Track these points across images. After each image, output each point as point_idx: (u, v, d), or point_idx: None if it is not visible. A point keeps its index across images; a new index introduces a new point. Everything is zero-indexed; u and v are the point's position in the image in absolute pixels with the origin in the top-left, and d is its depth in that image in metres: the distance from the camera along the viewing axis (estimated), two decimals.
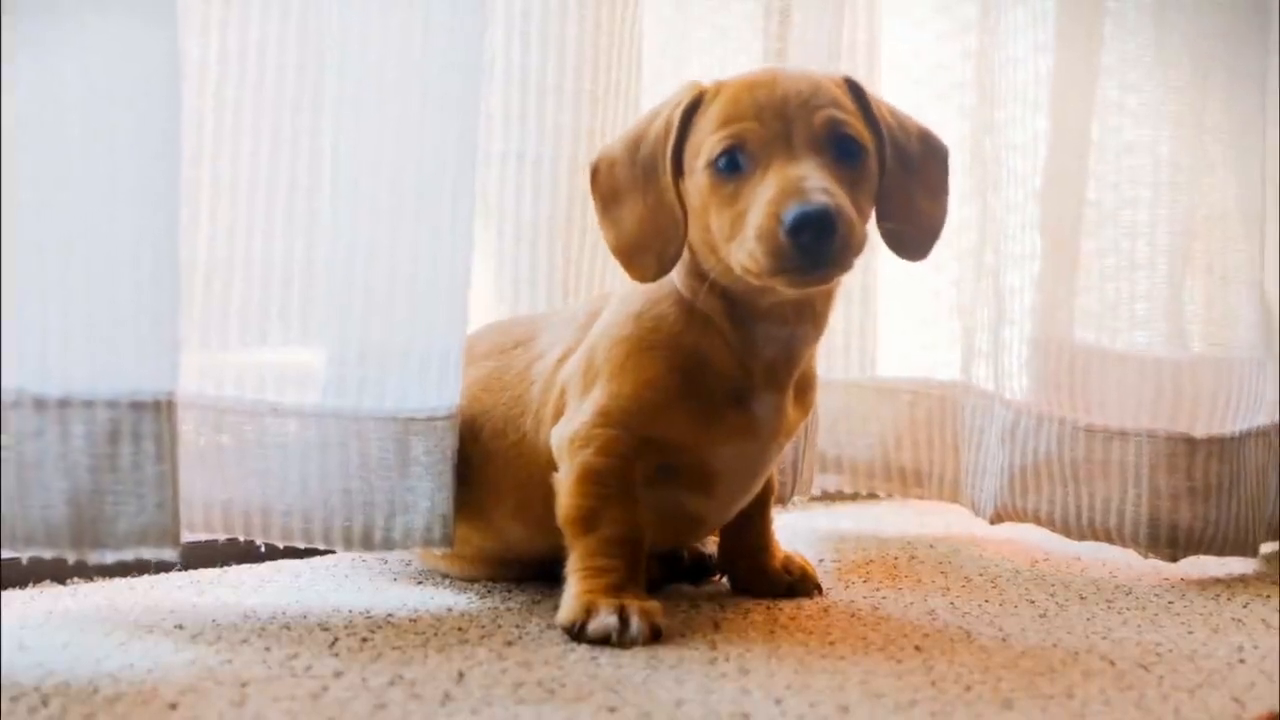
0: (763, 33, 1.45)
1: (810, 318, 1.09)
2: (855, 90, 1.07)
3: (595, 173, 1.10)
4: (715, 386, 1.07)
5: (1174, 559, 1.35)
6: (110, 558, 0.96)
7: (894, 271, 1.58)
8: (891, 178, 1.07)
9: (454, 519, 1.13)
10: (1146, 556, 1.36)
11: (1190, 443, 1.34)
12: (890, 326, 1.61)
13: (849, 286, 1.55)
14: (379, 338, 1.11)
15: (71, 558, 0.96)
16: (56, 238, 0.95)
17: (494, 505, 1.15)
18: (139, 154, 0.97)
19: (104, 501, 0.96)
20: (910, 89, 1.58)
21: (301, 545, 1.13)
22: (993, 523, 1.43)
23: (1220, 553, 1.36)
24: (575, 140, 1.33)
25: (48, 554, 0.96)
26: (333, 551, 1.23)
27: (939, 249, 1.53)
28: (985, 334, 1.46)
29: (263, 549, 1.18)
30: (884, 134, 1.06)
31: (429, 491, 1.12)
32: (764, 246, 0.97)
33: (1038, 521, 1.40)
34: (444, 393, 1.12)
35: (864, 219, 1.03)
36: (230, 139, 1.11)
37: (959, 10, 1.54)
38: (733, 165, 1.01)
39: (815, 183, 0.97)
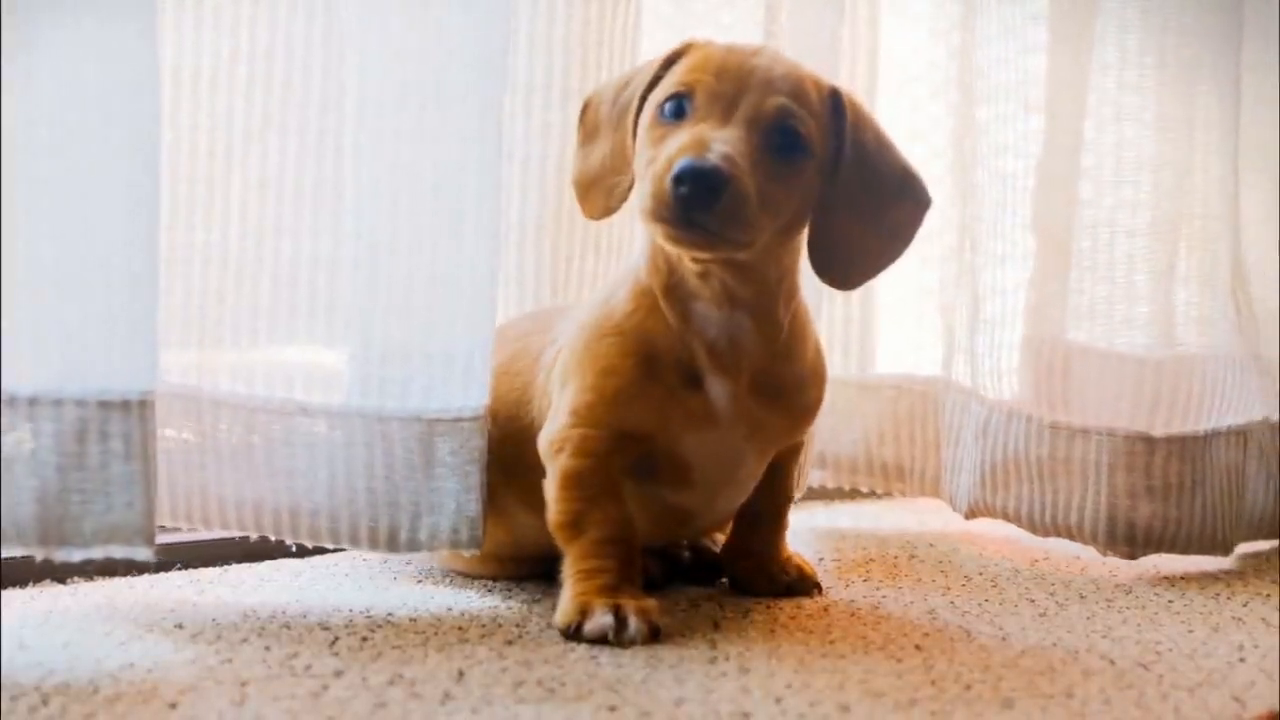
0: (764, 31, 1.45)
1: (743, 305, 1.07)
2: (835, 101, 1.06)
3: (585, 108, 1.13)
4: (668, 369, 1.07)
5: (1132, 556, 1.36)
6: (78, 556, 0.96)
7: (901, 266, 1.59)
8: (843, 196, 1.05)
9: (483, 520, 1.13)
10: (1105, 554, 1.37)
11: (1149, 441, 1.35)
12: (884, 324, 1.61)
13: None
14: (402, 337, 1.11)
15: (39, 555, 0.96)
16: (28, 237, 0.95)
17: (508, 491, 1.15)
18: (115, 155, 0.96)
19: (70, 500, 0.96)
20: (909, 85, 1.58)
21: (330, 545, 1.13)
22: (968, 518, 1.44)
23: (1184, 551, 1.36)
24: (563, 139, 1.32)
25: (16, 551, 0.96)
26: (333, 550, 1.23)
27: (930, 244, 1.55)
28: (964, 330, 1.46)
29: (295, 547, 1.17)
30: (847, 150, 1.05)
31: (455, 493, 1.12)
32: (651, 189, 0.98)
33: (1006, 518, 1.41)
34: (469, 393, 1.12)
35: (777, 215, 1.02)
36: (259, 138, 1.12)
37: (951, 7, 1.54)
38: (677, 111, 1.03)
39: (720, 147, 0.98)
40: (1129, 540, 1.35)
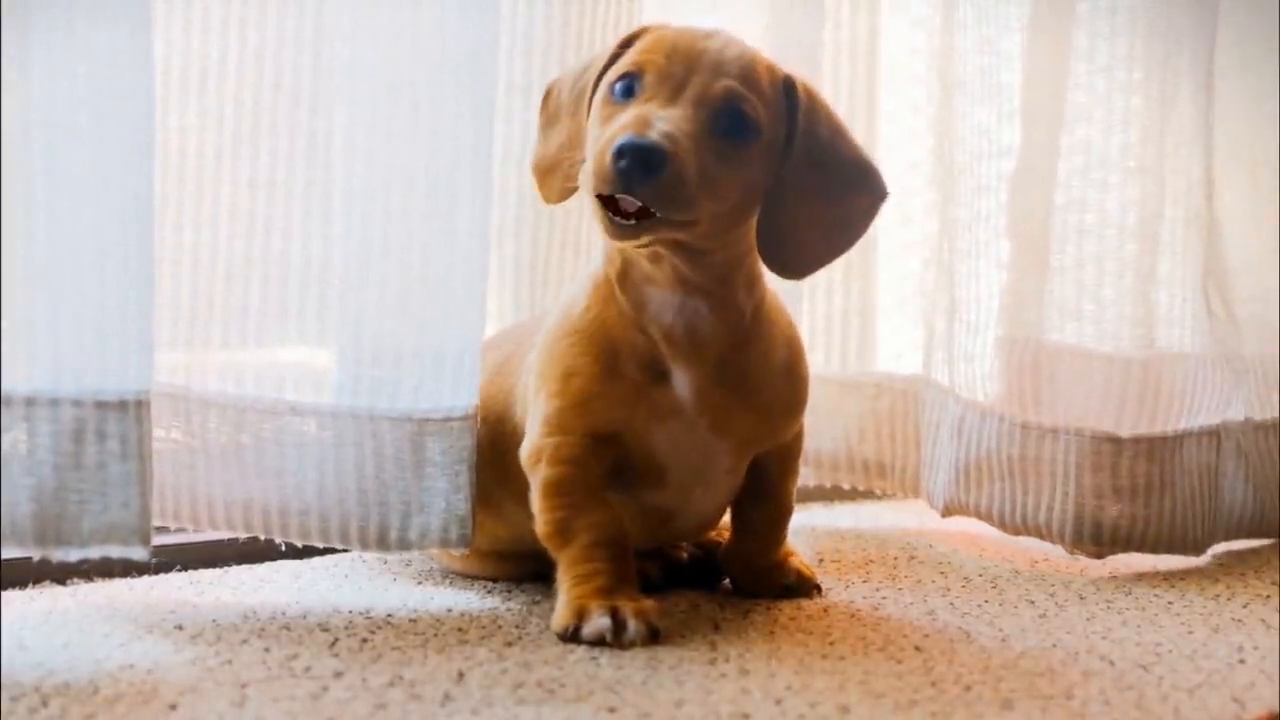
0: (763, 30, 1.45)
1: (698, 290, 1.06)
2: (788, 87, 1.06)
3: (547, 95, 1.13)
4: (629, 363, 1.07)
5: (1099, 556, 1.37)
6: (75, 555, 0.96)
7: (889, 266, 1.59)
8: (792, 184, 1.05)
9: (472, 519, 1.13)
10: (1072, 554, 1.38)
11: (1116, 442, 1.36)
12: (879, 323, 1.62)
13: (842, 281, 1.56)
14: (393, 338, 1.12)
15: (36, 555, 0.96)
16: (24, 237, 0.95)
17: (502, 490, 1.15)
18: (110, 155, 0.97)
19: (67, 500, 0.96)
20: (908, 89, 1.58)
21: (320, 544, 1.13)
22: (944, 516, 1.46)
23: (1154, 550, 1.37)
24: None
25: (13, 551, 0.96)
26: (334, 551, 1.23)
27: (926, 240, 1.55)
28: (943, 329, 1.47)
29: (299, 547, 1.18)
30: (798, 137, 1.05)
31: (444, 492, 1.12)
32: (593, 165, 0.98)
33: (979, 516, 1.42)
34: (459, 393, 1.12)
35: (719, 198, 1.01)
36: (248, 139, 1.12)
37: (945, 10, 1.53)
38: (626, 91, 1.03)
39: (662, 125, 0.97)
40: (1096, 539, 1.36)
